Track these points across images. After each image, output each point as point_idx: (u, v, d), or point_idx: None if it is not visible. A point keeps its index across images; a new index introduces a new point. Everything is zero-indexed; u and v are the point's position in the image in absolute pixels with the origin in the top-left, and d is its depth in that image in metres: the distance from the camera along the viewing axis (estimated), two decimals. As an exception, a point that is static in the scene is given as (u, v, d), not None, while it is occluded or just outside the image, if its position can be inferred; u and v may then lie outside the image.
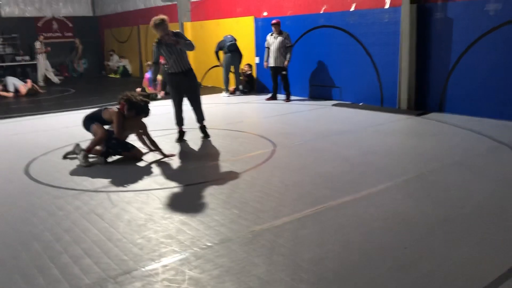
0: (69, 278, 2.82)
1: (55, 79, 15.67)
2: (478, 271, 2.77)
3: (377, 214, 3.68)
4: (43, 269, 2.94)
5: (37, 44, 15.30)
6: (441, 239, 3.21)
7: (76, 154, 5.47)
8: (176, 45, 5.98)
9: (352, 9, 8.97)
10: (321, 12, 9.62)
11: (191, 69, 6.32)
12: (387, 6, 8.34)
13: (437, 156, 5.31)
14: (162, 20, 5.92)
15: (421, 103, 8.03)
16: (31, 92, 12.74)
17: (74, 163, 5.43)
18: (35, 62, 16.69)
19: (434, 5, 7.60)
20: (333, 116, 8.10)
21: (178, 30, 6.21)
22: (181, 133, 6.51)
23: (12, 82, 12.81)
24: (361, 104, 8.94)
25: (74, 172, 5.11)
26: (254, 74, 11.59)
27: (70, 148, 5.72)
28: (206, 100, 10.51)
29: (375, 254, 3.02)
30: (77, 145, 5.54)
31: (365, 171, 4.81)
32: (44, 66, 15.38)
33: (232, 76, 11.29)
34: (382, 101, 8.68)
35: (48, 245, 3.28)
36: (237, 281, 2.72)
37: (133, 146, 5.57)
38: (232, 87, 11.32)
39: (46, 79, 15.48)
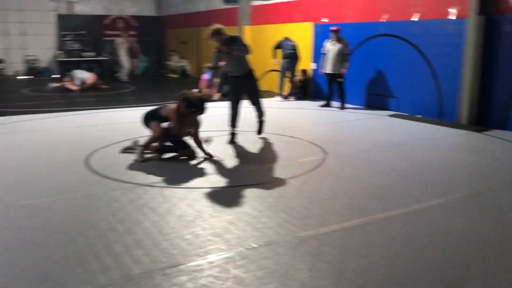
0: (121, 267, 2.96)
1: (125, 76, 16.26)
2: (532, 297, 2.65)
3: (427, 230, 3.60)
4: (98, 255, 3.10)
5: (118, 40, 16.05)
6: (493, 261, 3.09)
7: (134, 149, 5.71)
8: (231, 52, 6.12)
9: (414, 18, 8.78)
10: (382, 20, 9.48)
11: (251, 72, 6.47)
12: (452, 17, 8.10)
13: (495, 174, 5.10)
14: (216, 31, 6.09)
15: (483, 119, 7.73)
16: (95, 86, 13.33)
17: (131, 158, 5.66)
18: (100, 58, 17.57)
19: (504, 17, 7.30)
20: (389, 126, 7.95)
21: (236, 35, 6.49)
22: (233, 135, 6.63)
23: (79, 76, 13.42)
24: (418, 116, 8.72)
25: (130, 166, 5.33)
26: (310, 80, 11.57)
27: (128, 143, 5.96)
28: (260, 104, 10.61)
29: (422, 271, 2.95)
30: (135, 141, 5.78)
31: (417, 185, 4.70)
32: (127, 61, 16.04)
33: (287, 81, 11.34)
34: (441, 114, 8.43)
35: (103, 234, 3.45)
36: (281, 284, 2.76)
37: (188, 145, 5.75)
38: (286, 92, 11.37)
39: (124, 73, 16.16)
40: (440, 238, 3.45)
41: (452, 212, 3.97)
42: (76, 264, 2.99)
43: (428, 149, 6.27)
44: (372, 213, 3.90)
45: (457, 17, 8.00)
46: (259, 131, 6.86)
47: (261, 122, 6.84)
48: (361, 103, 10.13)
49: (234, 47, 6.11)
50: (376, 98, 9.82)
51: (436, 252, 3.21)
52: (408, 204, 4.14)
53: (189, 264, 3.00)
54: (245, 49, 6.22)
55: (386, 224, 3.70)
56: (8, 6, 17.42)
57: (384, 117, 8.81)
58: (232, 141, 6.57)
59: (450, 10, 8.10)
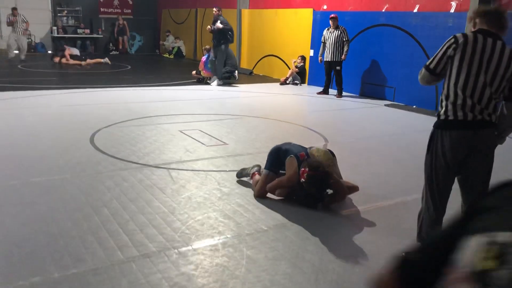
0: (137, 244, 3.06)
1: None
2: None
3: (428, 218, 3.75)
4: (113, 233, 3.20)
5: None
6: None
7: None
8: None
9: (415, 10, 8.87)
10: (383, 10, 9.56)
11: (492, 122, 2.88)
12: (452, 10, 8.21)
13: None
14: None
15: (477, 112, 7.88)
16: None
17: (135, 137, 5.71)
18: (96, 36, 17.48)
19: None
20: (386, 116, 8.09)
21: None
22: None
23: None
24: (414, 107, 8.88)
25: (135, 146, 5.39)
26: (307, 67, 11.65)
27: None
28: (255, 89, 10.69)
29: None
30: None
31: (417, 175, 4.83)
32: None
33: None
34: (437, 105, 8.59)
35: (117, 212, 3.54)
36: (292, 265, 2.89)
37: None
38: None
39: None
40: (440, 227, 3.61)
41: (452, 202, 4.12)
42: (93, 240, 3.08)
43: (425, 140, 6.40)
44: (375, 201, 4.05)
45: (457, 10, 8.12)
46: None
47: None
48: (357, 91, 10.25)
49: None
50: (372, 88, 9.94)
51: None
52: (408, 193, 4.28)
53: (204, 244, 3.11)
54: None
55: (389, 212, 3.85)
56: (1, -22, 17.11)
57: (381, 106, 8.95)
58: None
59: (451, 3, 8.21)
